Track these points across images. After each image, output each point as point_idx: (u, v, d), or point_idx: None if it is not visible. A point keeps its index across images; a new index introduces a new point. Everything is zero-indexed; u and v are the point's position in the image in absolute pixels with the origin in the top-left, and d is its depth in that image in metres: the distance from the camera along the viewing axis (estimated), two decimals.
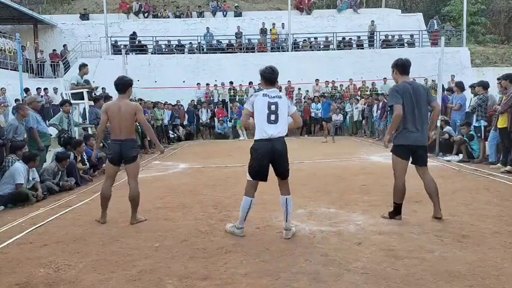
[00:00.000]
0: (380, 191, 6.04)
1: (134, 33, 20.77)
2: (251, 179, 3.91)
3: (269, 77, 3.90)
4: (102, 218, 4.83)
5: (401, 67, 4.54)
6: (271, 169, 3.97)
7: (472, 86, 9.25)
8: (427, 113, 4.48)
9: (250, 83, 18.33)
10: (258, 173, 3.85)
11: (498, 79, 8.19)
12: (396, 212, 4.54)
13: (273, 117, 3.76)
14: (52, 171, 6.88)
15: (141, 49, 20.69)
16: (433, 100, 4.62)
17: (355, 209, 5.06)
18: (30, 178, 6.22)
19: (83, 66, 10.20)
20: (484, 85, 8.55)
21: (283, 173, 3.94)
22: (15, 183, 5.92)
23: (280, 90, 17.58)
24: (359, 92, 18.04)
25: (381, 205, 5.20)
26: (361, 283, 2.98)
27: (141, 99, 15.15)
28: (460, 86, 10.06)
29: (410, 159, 4.48)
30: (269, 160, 3.81)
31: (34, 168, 6.38)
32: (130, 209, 4.76)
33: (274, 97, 3.82)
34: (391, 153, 4.57)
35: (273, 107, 3.76)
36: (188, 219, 4.83)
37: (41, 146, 7.22)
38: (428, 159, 4.64)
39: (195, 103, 17.76)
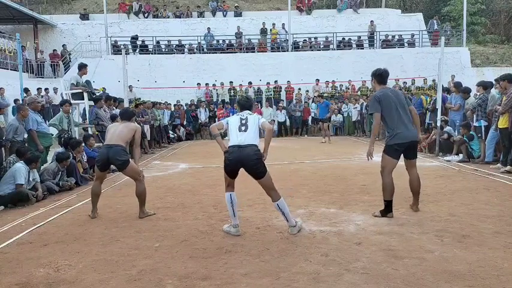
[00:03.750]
0: (380, 191, 6.01)
1: (136, 35, 20.76)
2: (225, 173, 4.19)
3: (244, 104, 4.39)
4: (92, 213, 5.10)
5: (379, 77, 4.85)
6: None
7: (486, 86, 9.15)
8: (408, 113, 4.76)
9: (250, 83, 18.35)
10: (229, 172, 4.14)
11: (496, 80, 8.20)
12: (388, 210, 4.68)
13: (243, 127, 4.14)
14: (52, 172, 6.89)
15: (141, 49, 20.69)
16: (410, 104, 4.90)
17: (355, 209, 5.06)
18: (31, 179, 6.22)
19: (82, 67, 10.20)
20: (486, 85, 8.57)
21: (254, 174, 4.10)
22: (15, 184, 5.92)
23: (280, 91, 17.45)
24: (359, 92, 18.05)
25: (380, 205, 5.18)
26: (361, 283, 2.98)
27: (138, 100, 15.17)
28: (459, 86, 10.07)
29: (402, 155, 4.74)
30: (239, 164, 4.05)
31: (35, 169, 6.38)
32: (138, 204, 5.04)
33: (245, 115, 4.25)
34: (383, 153, 4.76)
35: (243, 121, 4.19)
36: (188, 219, 4.83)
37: (40, 148, 7.21)
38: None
39: (194, 103, 17.74)
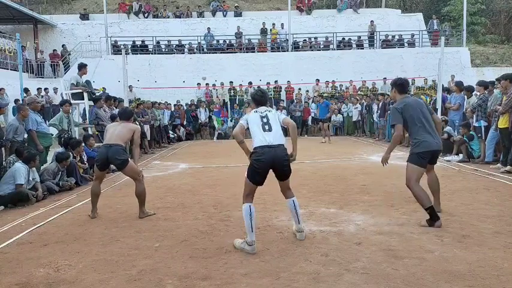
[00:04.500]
0: (380, 191, 6.05)
1: (134, 42, 20.80)
2: (250, 182, 3.86)
3: (259, 99, 4.12)
4: (92, 213, 5.10)
5: (401, 87, 4.73)
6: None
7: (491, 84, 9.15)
8: (431, 122, 4.59)
9: (250, 83, 18.34)
10: (259, 175, 3.81)
11: (497, 79, 8.19)
12: (434, 217, 4.29)
13: (266, 126, 3.89)
14: (52, 172, 6.88)
15: (141, 49, 20.70)
16: (434, 113, 4.80)
17: (355, 209, 5.06)
18: (31, 178, 6.22)
19: (82, 67, 10.20)
20: (486, 85, 8.57)
21: (283, 175, 3.94)
22: (15, 184, 5.92)
23: (280, 91, 17.36)
24: (359, 92, 18.08)
25: (381, 205, 5.20)
26: (361, 283, 2.98)
27: (138, 100, 15.20)
28: (460, 85, 10.06)
29: None
30: (270, 165, 3.81)
31: (34, 169, 6.38)
32: (138, 204, 5.04)
33: (264, 112, 4.01)
34: (408, 162, 4.52)
35: (264, 119, 3.94)
36: (188, 219, 4.83)
37: (39, 148, 7.20)
38: None
39: (194, 103, 17.74)
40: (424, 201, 4.35)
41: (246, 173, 3.87)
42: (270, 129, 3.87)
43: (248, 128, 4.01)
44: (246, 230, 3.75)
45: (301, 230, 4.01)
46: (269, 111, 4.04)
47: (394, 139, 4.59)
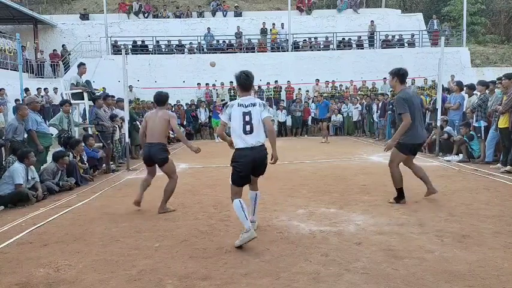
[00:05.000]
0: (380, 191, 6.05)
1: (134, 41, 20.82)
2: (236, 186, 3.93)
3: (244, 83, 3.90)
4: (137, 196, 5.28)
5: (402, 77, 5.04)
6: None
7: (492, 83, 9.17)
8: (421, 115, 5.20)
9: None
10: (243, 178, 3.91)
11: (499, 79, 8.18)
12: (401, 196, 5.12)
13: (248, 127, 3.80)
14: (52, 171, 6.87)
15: (141, 49, 20.71)
16: (423, 107, 5.29)
17: (355, 209, 5.06)
18: (30, 177, 6.21)
19: (80, 66, 10.20)
20: (487, 84, 8.57)
21: (260, 174, 4.07)
22: (14, 184, 5.92)
23: (280, 91, 17.34)
24: (359, 92, 18.08)
25: (381, 205, 5.20)
26: (361, 283, 2.98)
27: (138, 101, 15.21)
28: (460, 85, 10.06)
29: None
30: (251, 166, 3.88)
31: (33, 168, 6.37)
32: (162, 198, 5.23)
33: (248, 106, 3.86)
34: (396, 149, 5.08)
35: (247, 118, 3.80)
36: (188, 219, 4.83)
37: (39, 148, 7.20)
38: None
39: (194, 103, 17.74)
40: (397, 181, 5.12)
41: (231, 179, 3.93)
42: (251, 131, 3.81)
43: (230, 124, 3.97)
44: (241, 221, 3.84)
45: (253, 221, 4.15)
46: (253, 104, 3.86)
47: (404, 127, 4.87)
